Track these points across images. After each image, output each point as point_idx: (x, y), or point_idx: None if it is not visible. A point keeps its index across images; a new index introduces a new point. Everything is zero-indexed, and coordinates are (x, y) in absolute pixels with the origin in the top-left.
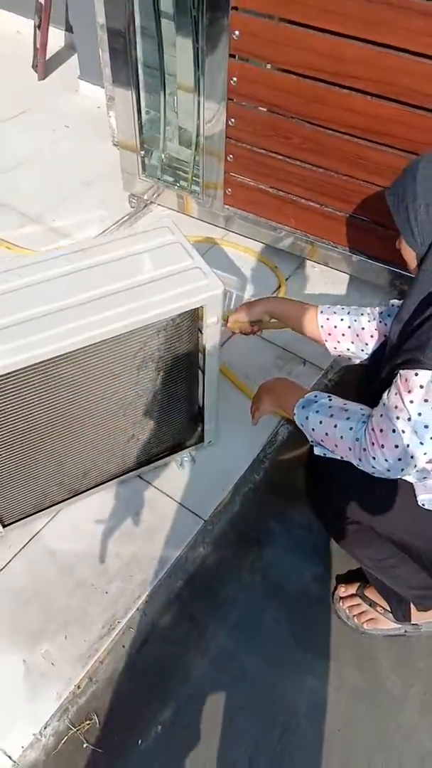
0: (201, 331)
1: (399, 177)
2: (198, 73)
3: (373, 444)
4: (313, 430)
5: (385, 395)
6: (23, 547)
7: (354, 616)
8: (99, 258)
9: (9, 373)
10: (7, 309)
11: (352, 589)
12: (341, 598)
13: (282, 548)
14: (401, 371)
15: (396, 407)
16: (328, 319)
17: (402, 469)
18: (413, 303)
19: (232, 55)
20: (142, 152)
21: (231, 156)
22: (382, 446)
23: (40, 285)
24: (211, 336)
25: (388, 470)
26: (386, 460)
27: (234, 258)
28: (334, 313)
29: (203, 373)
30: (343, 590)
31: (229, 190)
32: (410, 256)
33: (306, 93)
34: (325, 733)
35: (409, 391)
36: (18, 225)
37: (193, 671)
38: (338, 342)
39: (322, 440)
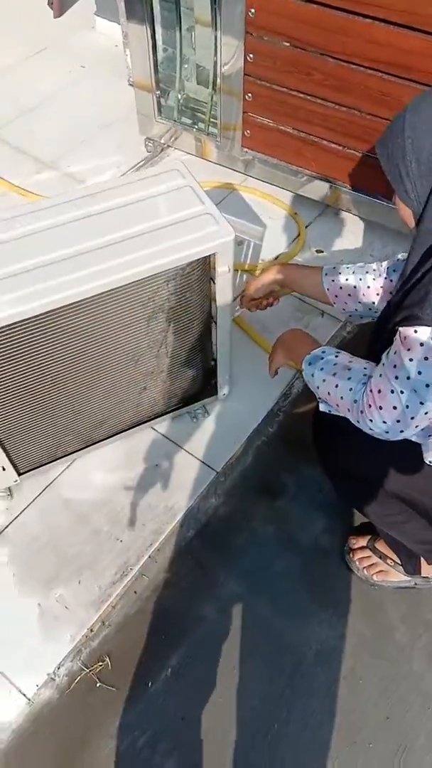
0: (213, 280)
1: (386, 130)
2: (215, 5)
3: (370, 406)
4: (317, 387)
5: (384, 355)
6: (38, 496)
7: (364, 567)
8: (106, 204)
9: (17, 322)
10: (12, 256)
11: (363, 541)
12: (352, 549)
13: (294, 500)
14: (400, 329)
15: (395, 366)
16: (333, 280)
17: (401, 431)
18: (414, 260)
19: None
20: (158, 92)
21: (249, 95)
22: (380, 408)
23: (45, 232)
24: (222, 286)
25: (387, 432)
26: (384, 422)
27: (253, 204)
28: (339, 273)
29: (215, 323)
30: (354, 542)
31: (248, 131)
32: (407, 214)
33: (328, 24)
34: (331, 679)
35: (409, 349)
36: (33, 171)
37: (203, 617)
38: (346, 303)
39: (326, 398)
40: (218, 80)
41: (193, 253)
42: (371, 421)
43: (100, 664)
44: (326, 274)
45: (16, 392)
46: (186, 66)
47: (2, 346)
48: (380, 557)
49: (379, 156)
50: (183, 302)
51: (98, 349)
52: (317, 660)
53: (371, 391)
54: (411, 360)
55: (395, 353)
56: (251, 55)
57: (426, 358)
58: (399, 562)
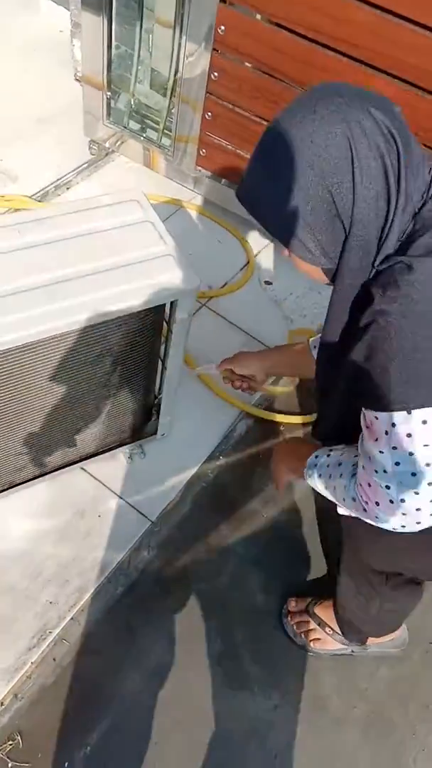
0: (169, 325)
1: (252, 169)
2: (181, 11)
3: (367, 503)
4: (327, 494)
5: (359, 442)
6: None
7: (301, 633)
8: (57, 232)
9: None
10: None
11: (302, 604)
12: (290, 612)
13: (231, 554)
14: (364, 411)
15: (369, 458)
16: None
17: (418, 522)
18: (339, 318)
19: (222, 0)
20: (109, 93)
21: (209, 114)
22: (377, 504)
23: None
24: (179, 331)
25: (403, 526)
26: (389, 518)
27: (200, 225)
28: None
29: (164, 364)
30: (293, 605)
31: (203, 150)
32: (313, 270)
33: (300, 54)
34: (262, 756)
35: (376, 440)
36: None
37: (127, 687)
38: None
39: (338, 503)
40: (177, 90)
41: (151, 299)
42: (377, 518)
43: (11, 743)
44: (315, 347)
45: None
46: (140, 68)
47: None
48: (318, 623)
49: (249, 209)
50: (133, 346)
51: (29, 393)
52: (249, 735)
53: (361, 485)
54: (381, 452)
55: (367, 441)
56: (216, 74)
57: (394, 447)
58: (338, 631)
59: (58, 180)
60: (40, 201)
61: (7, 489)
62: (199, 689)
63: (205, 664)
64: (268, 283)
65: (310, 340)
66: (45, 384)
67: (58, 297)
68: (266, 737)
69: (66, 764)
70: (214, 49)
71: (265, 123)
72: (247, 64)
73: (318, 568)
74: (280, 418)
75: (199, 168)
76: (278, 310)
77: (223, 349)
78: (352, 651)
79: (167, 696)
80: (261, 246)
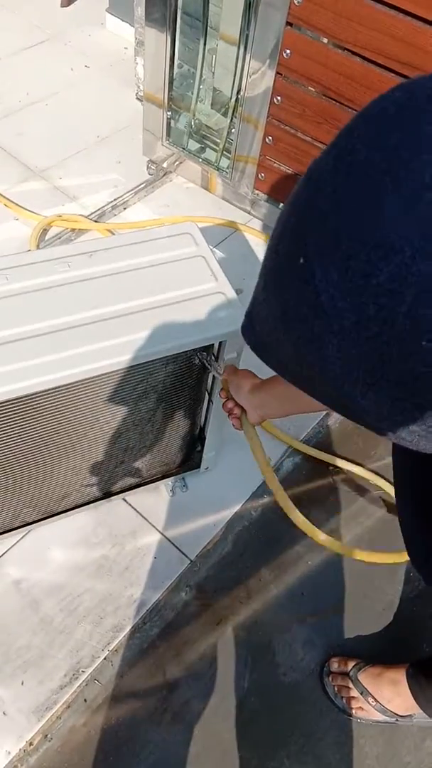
0: (216, 362)
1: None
2: (246, 33)
3: None
4: None
5: None
6: None
7: (343, 697)
8: (105, 266)
9: None
10: None
11: (346, 666)
12: (332, 673)
13: (272, 602)
14: None
15: None
16: None
17: None
18: None
19: (289, 23)
20: (169, 112)
21: (270, 138)
22: None
23: (31, 295)
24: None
25: None
26: None
27: (255, 249)
28: None
29: (210, 399)
30: (335, 665)
31: (263, 175)
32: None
33: (370, 82)
34: None
35: None
36: (20, 179)
37: (158, 738)
38: None
39: None
40: (238, 110)
41: (199, 340)
42: None
43: None
44: None
45: None
46: (202, 87)
47: None
48: (361, 692)
49: (260, 353)
50: (179, 384)
51: (75, 429)
52: None
53: None
54: None
55: None
56: (278, 98)
57: None
58: (383, 703)
59: (115, 200)
60: (96, 221)
61: (47, 518)
62: (232, 745)
63: (240, 719)
64: None
65: None
66: (90, 418)
67: (107, 335)
68: None
69: None
70: (278, 73)
71: None
72: (311, 88)
73: (365, 626)
74: (327, 458)
75: (257, 191)
76: None
77: None
78: (397, 720)
79: (199, 750)
80: None
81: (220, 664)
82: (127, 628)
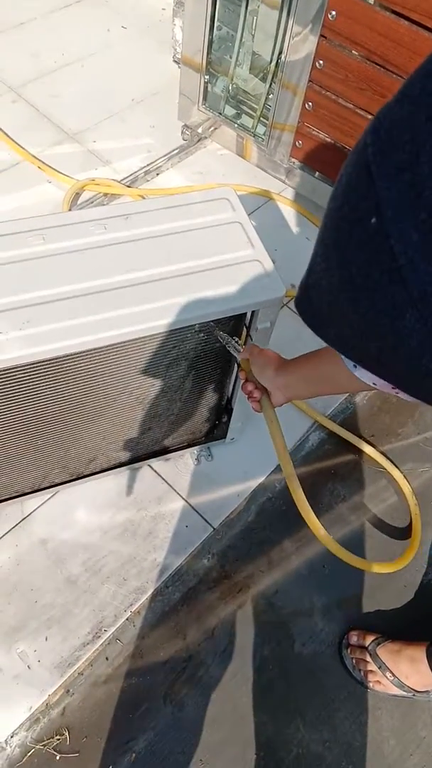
0: (248, 331)
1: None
2: None
3: None
4: None
5: None
6: (11, 530)
7: (360, 670)
8: (141, 229)
9: (15, 366)
10: (23, 283)
11: (365, 640)
12: (350, 645)
13: (293, 572)
14: None
15: None
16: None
17: None
18: None
19: None
20: (207, 76)
21: (310, 104)
22: None
23: (66, 256)
24: (258, 339)
25: None
26: None
27: (289, 219)
28: None
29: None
30: (354, 638)
31: (300, 142)
32: None
33: (417, 47)
34: None
35: None
36: (53, 141)
37: (177, 698)
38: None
39: None
40: (278, 75)
41: (233, 308)
42: None
43: (58, 738)
44: (355, 366)
45: (6, 427)
46: (241, 50)
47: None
48: (379, 666)
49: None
50: (210, 351)
51: (105, 393)
52: (296, 766)
53: None
54: None
55: None
56: (321, 62)
57: None
58: (402, 679)
59: (148, 165)
60: (129, 186)
61: (76, 479)
62: (249, 711)
63: (258, 685)
64: None
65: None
66: (120, 383)
67: (141, 299)
68: None
69: (111, 767)
70: (322, 36)
71: (369, 117)
72: (355, 52)
73: (385, 602)
74: (350, 438)
75: (293, 159)
76: None
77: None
78: (414, 695)
79: (216, 713)
80: None
81: (239, 631)
82: (150, 591)
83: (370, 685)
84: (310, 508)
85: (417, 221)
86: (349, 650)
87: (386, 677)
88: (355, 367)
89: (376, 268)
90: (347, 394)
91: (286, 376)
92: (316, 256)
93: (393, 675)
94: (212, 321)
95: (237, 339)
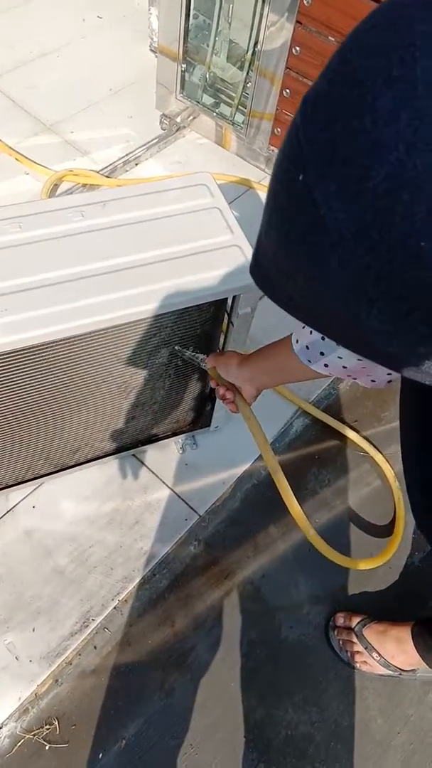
0: (229, 317)
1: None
2: None
3: None
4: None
5: None
6: None
7: (347, 651)
8: (119, 216)
9: None
10: (0, 271)
11: (351, 621)
12: (337, 627)
13: (279, 558)
14: None
15: None
16: (326, 365)
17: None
18: None
19: None
20: (184, 65)
21: (288, 91)
22: None
23: (44, 243)
24: (240, 325)
25: None
26: None
27: None
28: (322, 354)
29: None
30: (341, 620)
31: (278, 130)
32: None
33: None
34: None
35: None
36: (30, 132)
37: (166, 684)
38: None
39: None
40: (255, 63)
41: (214, 293)
42: None
43: (48, 727)
44: (310, 361)
45: None
46: (218, 39)
47: None
48: (366, 647)
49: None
50: (191, 338)
51: (87, 382)
52: (285, 746)
53: None
54: None
55: None
56: (297, 48)
57: None
58: (387, 658)
59: (127, 155)
60: (108, 176)
61: (60, 471)
62: (238, 695)
63: (246, 669)
64: None
65: (294, 340)
66: (102, 371)
67: (119, 286)
68: (305, 752)
69: (101, 755)
70: (297, 22)
71: None
72: (331, 38)
73: (371, 583)
74: (333, 423)
75: (272, 147)
76: None
77: None
78: (401, 674)
79: (205, 698)
80: None
81: (226, 616)
82: (137, 579)
83: (357, 665)
84: (298, 504)
85: (334, 173)
86: (335, 632)
87: (373, 657)
88: (309, 362)
89: (304, 220)
90: (331, 380)
91: (249, 369)
92: (261, 225)
93: (379, 655)
94: (177, 343)
95: (200, 352)
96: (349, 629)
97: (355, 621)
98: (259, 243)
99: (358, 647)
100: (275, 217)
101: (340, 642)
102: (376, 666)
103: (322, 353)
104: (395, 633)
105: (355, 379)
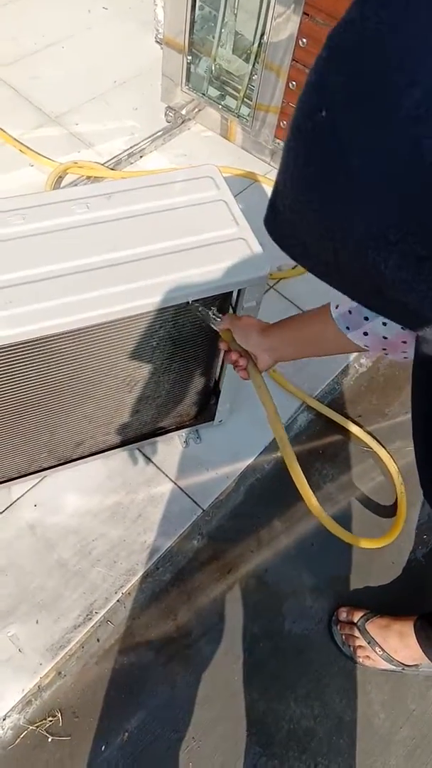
0: (234, 311)
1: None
2: None
3: None
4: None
5: None
6: None
7: (350, 645)
8: (124, 208)
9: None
10: (4, 263)
11: (354, 616)
12: (340, 621)
13: (282, 552)
14: None
15: None
16: (366, 333)
17: None
18: None
19: None
20: (189, 57)
21: (294, 83)
22: None
23: (48, 236)
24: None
25: None
26: None
27: None
28: (366, 319)
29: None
30: (344, 615)
31: (284, 122)
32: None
33: None
34: (301, 765)
35: None
36: (35, 124)
37: (168, 678)
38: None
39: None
40: (261, 56)
41: (219, 287)
42: None
43: (51, 719)
44: (342, 315)
45: None
46: (223, 30)
47: None
48: (369, 642)
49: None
50: (196, 332)
51: (91, 375)
52: (288, 741)
53: None
54: None
55: None
56: (304, 40)
57: None
58: (390, 653)
59: (131, 147)
60: (112, 169)
61: (64, 464)
62: (240, 689)
63: (249, 663)
64: None
65: (334, 306)
66: (105, 364)
67: (124, 279)
68: (307, 746)
69: (103, 747)
70: (305, 13)
71: None
72: None
73: (374, 578)
74: (338, 418)
75: (278, 140)
76: None
77: None
78: (403, 668)
79: (208, 691)
80: None
81: (229, 610)
82: (140, 573)
83: (360, 660)
84: (304, 477)
85: (359, 105)
86: (338, 626)
87: (375, 652)
88: (348, 329)
89: (327, 158)
90: (334, 376)
91: (272, 338)
92: (278, 173)
93: (382, 650)
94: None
95: (215, 310)
96: (352, 624)
97: (358, 616)
98: (276, 191)
99: (361, 642)
100: (295, 156)
101: (343, 636)
102: (378, 661)
103: (366, 318)
104: (398, 628)
105: (387, 354)
